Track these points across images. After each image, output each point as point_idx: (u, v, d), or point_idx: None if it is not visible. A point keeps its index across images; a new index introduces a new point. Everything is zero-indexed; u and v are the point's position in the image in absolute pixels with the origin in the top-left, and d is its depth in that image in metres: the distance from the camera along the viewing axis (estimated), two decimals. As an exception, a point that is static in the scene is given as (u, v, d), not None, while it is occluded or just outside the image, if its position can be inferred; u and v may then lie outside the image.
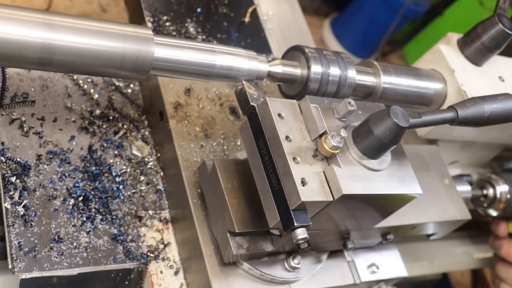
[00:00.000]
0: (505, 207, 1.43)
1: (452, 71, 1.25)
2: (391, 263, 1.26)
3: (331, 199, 0.91)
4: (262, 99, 0.97)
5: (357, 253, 1.24)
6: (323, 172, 0.93)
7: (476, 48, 1.28)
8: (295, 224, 0.88)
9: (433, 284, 2.10)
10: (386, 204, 1.03)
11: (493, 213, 1.45)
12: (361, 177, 0.94)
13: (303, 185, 0.89)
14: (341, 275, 1.19)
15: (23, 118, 1.09)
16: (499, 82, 1.31)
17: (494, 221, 1.54)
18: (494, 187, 1.44)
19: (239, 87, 0.98)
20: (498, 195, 1.43)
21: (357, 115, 1.01)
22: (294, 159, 0.91)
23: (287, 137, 0.93)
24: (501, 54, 1.33)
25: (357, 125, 0.96)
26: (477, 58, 1.29)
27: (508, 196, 1.42)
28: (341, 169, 0.92)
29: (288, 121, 0.95)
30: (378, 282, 1.23)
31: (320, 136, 0.94)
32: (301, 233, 0.89)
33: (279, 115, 0.95)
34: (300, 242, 0.90)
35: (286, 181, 0.90)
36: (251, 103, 0.96)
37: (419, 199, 1.04)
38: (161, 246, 1.12)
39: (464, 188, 1.40)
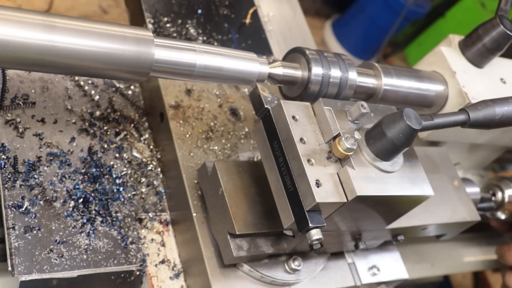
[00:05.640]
0: None
1: (454, 73, 1.25)
2: (392, 265, 1.26)
3: (345, 200, 0.92)
4: (276, 102, 0.97)
5: (358, 255, 1.24)
6: (337, 173, 0.94)
7: (478, 50, 1.28)
8: (310, 225, 0.89)
9: (434, 287, 2.09)
10: (398, 205, 1.04)
11: (502, 216, 1.46)
12: (374, 179, 0.94)
13: (318, 187, 0.90)
14: (342, 277, 1.19)
15: (24, 120, 1.09)
16: (500, 84, 1.31)
17: (500, 225, 1.53)
18: (502, 191, 1.45)
19: (253, 89, 0.99)
20: (506, 199, 1.44)
21: (369, 118, 1.02)
22: (308, 161, 0.92)
23: (301, 139, 0.94)
24: (503, 56, 1.32)
25: (370, 127, 0.97)
26: (479, 60, 1.29)
27: None
28: (355, 171, 0.93)
29: (302, 123, 0.96)
30: (379, 284, 1.23)
31: (334, 138, 0.95)
32: (315, 234, 0.90)
33: (293, 117, 0.96)
34: (314, 242, 0.91)
35: (301, 183, 0.91)
36: (265, 106, 0.97)
37: (429, 201, 1.05)
38: (162, 248, 1.12)
39: (473, 190, 1.41)
